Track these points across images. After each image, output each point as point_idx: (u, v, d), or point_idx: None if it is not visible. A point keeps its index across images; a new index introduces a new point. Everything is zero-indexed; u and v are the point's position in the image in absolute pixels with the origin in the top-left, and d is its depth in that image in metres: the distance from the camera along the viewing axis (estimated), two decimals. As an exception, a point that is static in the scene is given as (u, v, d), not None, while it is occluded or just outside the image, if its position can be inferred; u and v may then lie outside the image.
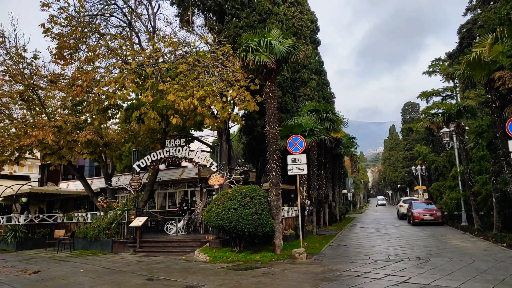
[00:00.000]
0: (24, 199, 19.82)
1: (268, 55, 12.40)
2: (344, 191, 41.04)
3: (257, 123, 18.08)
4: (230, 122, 18.14)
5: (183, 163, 17.78)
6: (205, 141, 23.33)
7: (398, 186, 73.85)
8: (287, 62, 13.87)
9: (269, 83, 12.96)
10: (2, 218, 18.20)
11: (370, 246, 13.48)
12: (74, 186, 25.07)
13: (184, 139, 16.01)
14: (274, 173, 12.46)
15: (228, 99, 16.17)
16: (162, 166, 15.92)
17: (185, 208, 19.71)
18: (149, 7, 17.50)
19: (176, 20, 18.36)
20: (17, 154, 16.35)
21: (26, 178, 26.21)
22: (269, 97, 12.90)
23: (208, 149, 22.03)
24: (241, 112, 18.42)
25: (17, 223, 17.21)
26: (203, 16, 18.20)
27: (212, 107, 15.94)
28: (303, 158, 12.32)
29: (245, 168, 25.05)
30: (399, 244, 13.63)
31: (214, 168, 14.45)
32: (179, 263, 11.05)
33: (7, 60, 16.52)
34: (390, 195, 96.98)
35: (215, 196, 13.33)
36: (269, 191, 12.50)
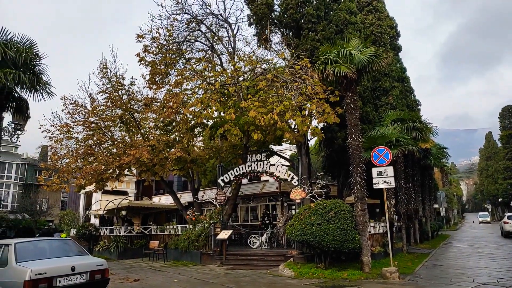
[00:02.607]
0: (123, 212, 21.92)
1: (348, 65, 12.14)
2: (436, 205, 37.67)
3: (338, 135, 17.68)
4: (309, 135, 18.04)
5: (264, 177, 18.12)
6: (284, 155, 23.50)
7: (499, 200, 65.56)
8: (368, 71, 13.41)
9: (350, 94, 12.64)
10: (106, 229, 20.32)
11: (472, 268, 12.09)
12: (165, 200, 27.06)
13: (264, 154, 16.33)
14: (358, 186, 11.99)
15: (307, 112, 16.18)
16: (244, 181, 16.40)
17: (267, 222, 19.91)
18: (229, 30, 18.44)
19: (254, 40, 19.00)
20: (117, 171, 18.24)
21: (125, 193, 29.03)
22: (350, 108, 12.57)
23: (287, 163, 22.13)
24: (321, 125, 18.19)
25: (118, 234, 19.06)
26: (279, 33, 18.59)
27: (292, 121, 16.09)
28: (390, 170, 11.68)
29: (325, 182, 24.56)
30: (508, 267, 12.00)
31: (295, 182, 14.43)
32: (265, 277, 11.13)
33: (109, 88, 18.71)
34: (489, 210, 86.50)
35: (297, 210, 13.26)
36: (354, 205, 12.04)
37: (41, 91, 12.56)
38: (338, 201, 12.42)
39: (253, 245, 16.87)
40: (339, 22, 17.65)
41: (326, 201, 12.38)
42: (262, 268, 13.13)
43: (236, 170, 16.03)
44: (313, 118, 16.21)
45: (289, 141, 19.15)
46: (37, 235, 31.89)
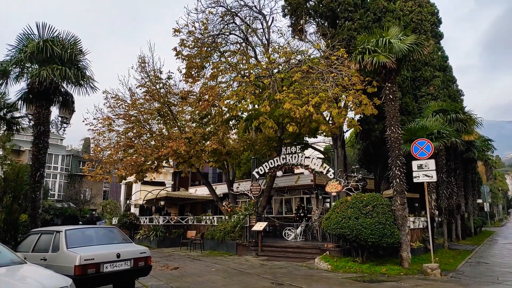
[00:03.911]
0: (162, 203, 22.64)
1: (387, 54, 11.73)
2: (479, 201, 35.89)
3: (375, 127, 17.22)
4: (345, 127, 17.71)
5: (298, 170, 18.03)
6: (318, 148, 23.21)
7: (551, 195, 61.38)
8: (408, 61, 12.90)
9: (389, 84, 12.22)
10: (146, 218, 21.09)
11: (521, 266, 11.47)
12: (200, 191, 27.65)
13: (299, 146, 16.22)
14: (398, 180, 11.64)
15: (343, 104, 15.87)
16: (279, 173, 16.42)
17: (302, 214, 19.84)
18: (264, 21, 18.35)
19: (288, 31, 18.83)
20: (156, 163, 18.82)
21: (162, 184, 29.95)
22: (389, 99, 12.17)
23: (321, 155, 21.86)
24: (357, 117, 17.81)
25: (157, 223, 19.73)
26: (314, 23, 18.26)
27: (327, 112, 15.84)
28: (431, 163, 11.24)
29: (361, 175, 24.04)
30: (562, 267, 11.27)
31: (330, 175, 14.25)
32: (300, 270, 11.14)
33: (147, 82, 19.25)
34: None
35: (333, 203, 13.11)
36: (393, 199, 11.72)
37: (85, 85, 13.14)
38: (376, 194, 12.14)
39: (287, 237, 16.90)
40: (377, 10, 17.07)
41: (363, 195, 12.14)
42: (297, 260, 13.14)
43: (271, 162, 16.04)
44: (349, 109, 15.88)
45: (324, 134, 18.86)
46: (80, 223, 33.72)
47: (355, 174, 25.36)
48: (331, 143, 22.11)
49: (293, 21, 18.13)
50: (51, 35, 12.33)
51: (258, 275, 10.12)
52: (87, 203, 40.42)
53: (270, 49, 17.28)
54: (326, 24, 17.83)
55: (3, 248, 6.16)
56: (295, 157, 15.34)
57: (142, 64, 19.03)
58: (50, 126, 13.15)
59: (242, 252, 15.36)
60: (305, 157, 15.34)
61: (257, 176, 16.49)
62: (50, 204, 34.21)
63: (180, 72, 17.30)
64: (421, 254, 13.28)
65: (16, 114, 14.85)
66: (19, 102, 13.22)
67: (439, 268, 9.95)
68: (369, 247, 11.26)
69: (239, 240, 15.88)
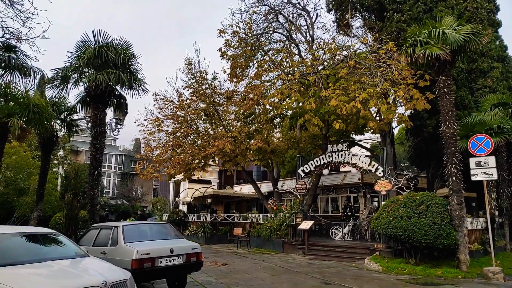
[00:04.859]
0: (209, 200, 23.19)
1: (441, 46, 11.11)
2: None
3: (427, 123, 16.41)
4: (395, 123, 17.05)
5: (344, 168, 17.62)
6: (364, 145, 22.56)
7: None
8: (464, 52, 12.16)
9: (443, 77, 11.57)
10: (194, 215, 21.72)
11: None
12: (245, 189, 27.98)
13: (345, 144, 15.89)
14: (454, 178, 11.00)
15: (393, 99, 15.28)
16: (325, 171, 16.17)
17: (349, 213, 19.41)
18: (307, 18, 18.18)
19: (333, 26, 18.45)
20: (203, 161, 19.30)
21: (208, 182, 30.66)
22: (443, 93, 11.52)
23: (368, 153, 21.23)
24: (407, 112, 17.06)
25: (204, 220, 20.25)
26: (360, 17, 17.77)
27: (375, 109, 15.36)
28: (491, 160, 10.52)
29: (411, 173, 23.02)
30: None
31: (379, 173, 13.79)
32: (350, 270, 10.90)
33: (193, 83, 19.79)
34: None
35: (383, 202, 12.68)
36: (449, 199, 11.10)
37: (137, 88, 13.80)
38: (430, 193, 11.58)
39: (334, 237, 16.62)
40: (427, 0, 16.22)
41: (415, 194, 11.62)
42: (345, 260, 12.88)
43: (316, 160, 15.84)
44: (399, 105, 15.26)
45: (372, 131, 18.30)
46: (132, 219, 35.49)
47: (405, 172, 24.36)
48: (379, 140, 21.42)
49: (338, 16, 17.76)
50: (106, 41, 13.07)
51: (306, 274, 10.04)
52: (138, 200, 42.46)
53: (315, 45, 17.07)
54: (373, 17, 17.26)
55: (68, 241, 6.60)
56: (341, 155, 15.03)
57: (189, 66, 19.61)
58: (106, 127, 13.95)
59: (288, 251, 15.33)
60: (352, 155, 14.97)
61: (302, 175, 16.36)
62: (105, 201, 36.37)
63: (225, 72, 17.63)
64: (480, 257, 12.46)
65: (75, 117, 15.93)
66: (78, 106, 14.16)
67: (502, 272, 9.31)
68: (423, 248, 10.76)
69: (285, 238, 15.86)
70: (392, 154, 17.39)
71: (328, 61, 15.24)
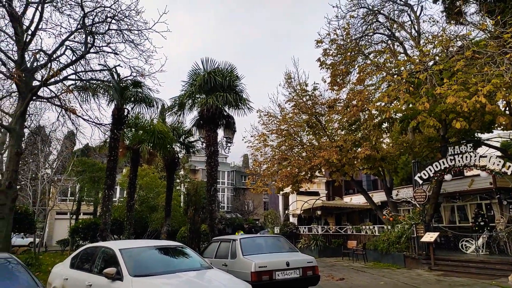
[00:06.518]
0: (319, 212, 22.90)
1: None
2: None
3: None
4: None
5: (471, 172, 15.57)
6: (492, 145, 19.56)
7: None
8: None
9: None
10: (305, 228, 21.64)
11: None
12: (356, 200, 26.82)
13: (470, 145, 14.05)
14: None
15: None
16: (447, 177, 14.50)
17: (482, 223, 16.93)
18: (411, 13, 16.88)
19: (442, 17, 16.74)
20: (309, 173, 19.20)
21: (316, 193, 30.33)
22: None
23: (497, 153, 18.31)
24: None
25: (316, 233, 19.98)
26: (475, 1, 15.76)
27: (504, 102, 13.31)
28: None
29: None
30: None
31: (519, 176, 11.77)
32: (490, 289, 9.44)
33: (294, 96, 20.03)
34: None
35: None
36: None
37: (243, 107, 14.60)
38: None
39: (466, 250, 14.66)
40: None
41: None
42: (482, 277, 11.21)
43: (435, 165, 14.34)
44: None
45: (503, 127, 15.83)
46: (241, 232, 37.15)
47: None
48: (511, 137, 18.45)
49: (446, 5, 16.09)
50: (213, 67, 14.21)
51: (435, 292, 9.03)
52: (251, 214, 44.37)
53: (422, 40, 15.71)
54: (490, -1, 15.15)
55: (194, 254, 7.17)
56: (466, 157, 13.34)
57: (288, 80, 19.97)
58: (218, 146, 15.03)
59: (411, 265, 14.05)
60: (480, 156, 13.14)
61: (420, 182, 14.96)
62: (221, 215, 38.91)
63: (325, 82, 17.41)
64: None
65: (191, 139, 17.61)
66: (193, 128, 15.62)
67: None
68: None
69: (406, 252, 14.60)
70: (532, 152, 14.74)
71: (439, 55, 13.81)
